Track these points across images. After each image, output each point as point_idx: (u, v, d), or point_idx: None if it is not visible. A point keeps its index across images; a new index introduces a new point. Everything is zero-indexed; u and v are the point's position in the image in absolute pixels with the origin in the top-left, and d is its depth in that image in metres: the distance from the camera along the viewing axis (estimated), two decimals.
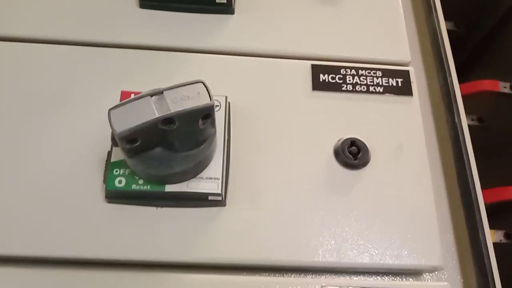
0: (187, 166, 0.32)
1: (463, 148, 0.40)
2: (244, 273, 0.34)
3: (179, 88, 0.30)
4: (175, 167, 0.32)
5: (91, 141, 0.36)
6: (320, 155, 0.38)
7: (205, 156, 0.33)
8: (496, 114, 0.69)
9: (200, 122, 0.31)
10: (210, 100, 0.30)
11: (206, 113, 0.31)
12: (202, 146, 0.33)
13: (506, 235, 0.64)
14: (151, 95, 0.30)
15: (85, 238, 0.34)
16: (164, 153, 0.33)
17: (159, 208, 0.35)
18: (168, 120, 0.30)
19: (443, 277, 0.37)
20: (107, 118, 0.29)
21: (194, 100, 0.30)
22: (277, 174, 0.37)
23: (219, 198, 0.34)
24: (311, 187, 0.37)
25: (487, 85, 0.66)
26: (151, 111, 0.30)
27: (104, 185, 0.34)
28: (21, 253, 0.33)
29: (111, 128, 0.29)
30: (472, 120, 0.71)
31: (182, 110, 0.29)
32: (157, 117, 0.29)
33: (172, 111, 0.29)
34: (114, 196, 0.34)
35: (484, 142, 0.59)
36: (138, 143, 0.31)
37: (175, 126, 0.30)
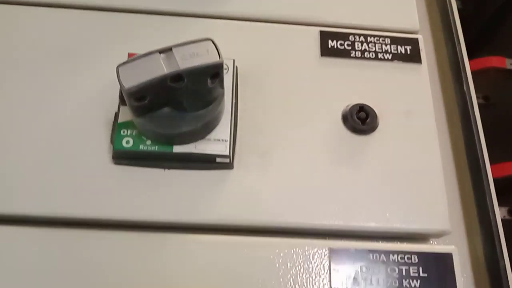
0: (195, 126, 0.32)
1: (471, 114, 0.39)
2: (251, 235, 0.34)
3: (188, 45, 0.30)
4: (183, 126, 0.32)
5: (98, 103, 0.36)
6: (328, 120, 0.38)
7: (213, 116, 0.33)
8: (503, 91, 0.69)
9: (209, 81, 0.31)
10: (220, 58, 0.30)
11: (215, 72, 0.31)
12: (210, 107, 0.33)
13: (510, 212, 0.64)
14: (160, 52, 0.30)
15: (91, 198, 0.34)
16: (172, 113, 0.32)
17: (166, 170, 0.35)
18: (176, 77, 0.30)
19: (449, 242, 0.37)
20: (116, 75, 0.29)
21: (203, 57, 0.30)
22: (285, 138, 0.37)
23: (227, 160, 0.34)
24: (319, 151, 0.36)
25: (494, 61, 0.66)
26: (159, 68, 0.29)
27: (111, 146, 0.34)
28: (26, 212, 0.33)
29: (119, 84, 0.29)
30: (478, 98, 0.71)
31: (191, 67, 0.29)
32: (166, 74, 0.29)
33: (181, 67, 0.29)
34: (121, 156, 0.34)
35: (490, 120, 0.59)
36: (146, 101, 0.30)
37: (183, 84, 0.30)
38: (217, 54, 0.30)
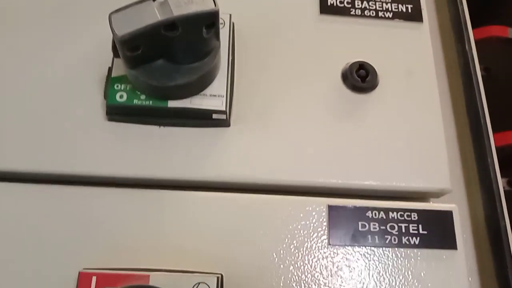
0: (191, 79, 0.31)
1: (472, 74, 0.38)
2: (249, 193, 0.34)
3: None
4: (178, 79, 0.31)
5: (93, 58, 0.35)
6: (327, 78, 0.37)
7: (209, 69, 0.32)
8: (504, 62, 0.67)
9: (204, 31, 0.30)
10: (215, 6, 0.29)
11: (210, 21, 0.30)
12: (206, 59, 0.32)
13: (509, 183, 0.63)
14: None
15: (85, 155, 0.33)
16: (167, 65, 0.31)
17: (161, 127, 0.34)
18: (171, 25, 0.29)
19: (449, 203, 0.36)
20: (108, 23, 0.28)
21: (198, 5, 0.29)
22: (283, 96, 0.36)
23: (224, 116, 0.33)
24: (318, 109, 0.36)
25: (495, 30, 0.65)
26: (153, 15, 0.28)
27: (105, 102, 0.33)
28: (18, 168, 0.32)
29: (112, 32, 0.28)
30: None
31: (186, 13, 0.28)
32: (160, 20, 0.28)
33: (175, 15, 0.28)
34: (115, 112, 0.33)
35: (491, 91, 0.58)
36: (140, 51, 0.30)
37: (178, 33, 0.29)
38: (213, 2, 0.29)
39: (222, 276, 0.30)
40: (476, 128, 0.39)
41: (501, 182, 0.36)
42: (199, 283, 0.28)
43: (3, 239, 0.31)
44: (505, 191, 0.62)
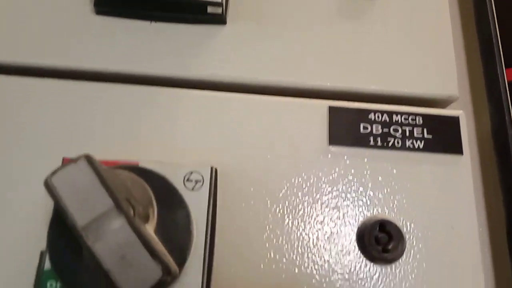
0: None
1: None
2: (244, 93, 0.32)
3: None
4: None
5: None
6: None
7: None
8: None
9: None
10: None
11: None
12: None
13: None
14: None
15: (74, 49, 0.31)
16: None
17: (153, 23, 0.32)
18: None
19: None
20: None
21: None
22: None
23: (219, 10, 0.31)
24: (320, 9, 0.34)
25: None
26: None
27: None
28: (5, 61, 0.31)
29: None
30: None
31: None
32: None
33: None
34: (104, 2, 0.31)
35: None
36: None
37: None
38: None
39: (216, 169, 0.28)
40: (483, 32, 0.36)
41: (508, 95, 0.34)
42: (191, 172, 0.26)
43: None
44: None
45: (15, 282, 0.26)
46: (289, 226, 0.29)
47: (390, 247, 0.28)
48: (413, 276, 0.28)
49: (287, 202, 0.29)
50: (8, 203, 0.27)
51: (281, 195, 0.29)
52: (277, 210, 0.29)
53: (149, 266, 0.19)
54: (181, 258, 0.23)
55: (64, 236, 0.23)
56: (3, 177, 0.28)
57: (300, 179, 0.30)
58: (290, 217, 0.29)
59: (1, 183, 0.28)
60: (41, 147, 0.29)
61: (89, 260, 0.21)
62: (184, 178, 0.26)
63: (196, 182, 0.26)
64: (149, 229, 0.22)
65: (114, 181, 0.21)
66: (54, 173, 0.20)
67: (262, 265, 0.28)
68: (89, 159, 0.20)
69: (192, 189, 0.26)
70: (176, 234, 0.23)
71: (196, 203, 0.26)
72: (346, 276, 0.28)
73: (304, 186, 0.30)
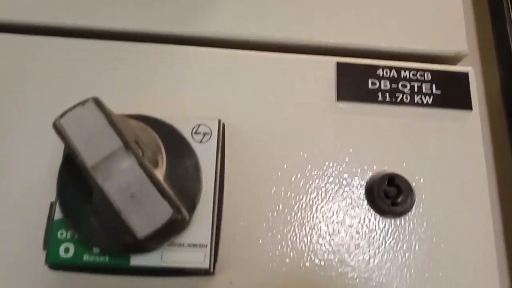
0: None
1: None
2: (251, 50, 0.31)
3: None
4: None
5: None
6: None
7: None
8: None
9: None
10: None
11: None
12: None
13: None
14: None
15: (80, 7, 0.31)
16: None
17: None
18: None
19: None
20: None
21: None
22: None
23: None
24: None
25: None
26: None
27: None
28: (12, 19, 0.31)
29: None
30: None
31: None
32: None
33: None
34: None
35: None
36: None
37: None
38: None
39: (223, 123, 0.28)
40: None
41: None
42: (199, 125, 0.26)
43: None
44: None
45: (26, 232, 0.26)
46: (296, 179, 0.29)
47: (399, 200, 0.28)
48: (422, 229, 0.28)
49: (294, 157, 0.29)
50: (16, 157, 0.28)
51: (288, 150, 0.29)
52: (285, 166, 0.29)
53: (160, 205, 0.19)
54: (191, 205, 0.23)
55: (73, 182, 0.23)
56: (11, 131, 0.28)
57: (307, 135, 0.30)
58: (298, 171, 0.29)
59: (8, 138, 0.28)
60: (47, 101, 0.29)
61: (99, 201, 0.21)
62: (192, 131, 0.26)
63: (204, 134, 0.26)
64: (158, 175, 0.22)
65: (122, 124, 0.21)
66: (62, 115, 0.20)
67: (270, 215, 0.28)
68: (97, 101, 0.20)
69: (200, 141, 0.26)
70: (185, 181, 0.23)
71: (204, 155, 0.26)
72: (355, 229, 0.28)
73: (311, 142, 0.30)
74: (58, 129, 0.20)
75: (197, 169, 0.24)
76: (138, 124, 0.23)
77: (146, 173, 0.19)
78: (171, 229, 0.21)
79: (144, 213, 0.19)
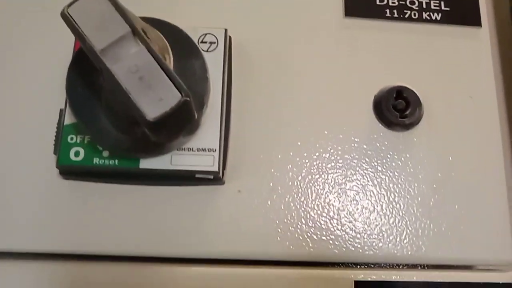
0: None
1: None
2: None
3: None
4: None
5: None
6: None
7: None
8: None
9: None
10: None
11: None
12: None
13: None
14: None
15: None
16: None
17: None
18: None
19: None
20: None
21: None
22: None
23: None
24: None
25: None
26: None
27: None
28: None
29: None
30: None
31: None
32: None
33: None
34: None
35: None
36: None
37: None
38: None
39: (230, 36, 0.28)
40: None
41: None
42: (206, 34, 0.26)
43: None
44: None
45: (37, 138, 0.27)
46: (303, 94, 0.29)
47: (407, 112, 0.28)
48: (430, 143, 0.28)
49: (301, 73, 0.29)
50: (27, 68, 0.28)
51: (295, 66, 0.29)
52: (292, 82, 0.29)
53: (168, 88, 0.19)
54: (199, 103, 0.23)
55: (82, 84, 0.23)
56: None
57: (315, 51, 0.29)
58: (304, 85, 0.29)
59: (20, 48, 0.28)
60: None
61: (108, 93, 0.22)
62: (198, 40, 0.26)
63: (211, 43, 0.26)
64: None
65: (130, 13, 0.20)
66: (70, 4, 0.20)
67: (276, 128, 0.28)
68: None
69: (207, 50, 0.26)
70: (192, 81, 0.23)
71: (211, 63, 0.25)
72: (362, 142, 0.28)
73: (318, 58, 0.29)
74: (66, 17, 0.20)
75: (205, 70, 0.24)
76: (144, 24, 0.23)
77: (154, 57, 0.19)
78: (181, 120, 0.21)
79: (154, 96, 0.19)
